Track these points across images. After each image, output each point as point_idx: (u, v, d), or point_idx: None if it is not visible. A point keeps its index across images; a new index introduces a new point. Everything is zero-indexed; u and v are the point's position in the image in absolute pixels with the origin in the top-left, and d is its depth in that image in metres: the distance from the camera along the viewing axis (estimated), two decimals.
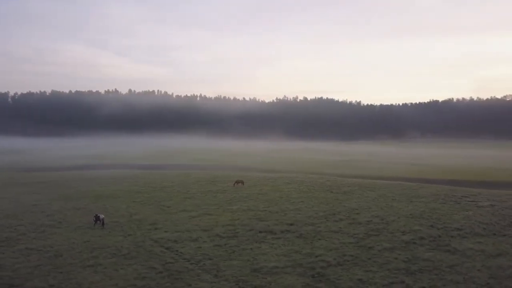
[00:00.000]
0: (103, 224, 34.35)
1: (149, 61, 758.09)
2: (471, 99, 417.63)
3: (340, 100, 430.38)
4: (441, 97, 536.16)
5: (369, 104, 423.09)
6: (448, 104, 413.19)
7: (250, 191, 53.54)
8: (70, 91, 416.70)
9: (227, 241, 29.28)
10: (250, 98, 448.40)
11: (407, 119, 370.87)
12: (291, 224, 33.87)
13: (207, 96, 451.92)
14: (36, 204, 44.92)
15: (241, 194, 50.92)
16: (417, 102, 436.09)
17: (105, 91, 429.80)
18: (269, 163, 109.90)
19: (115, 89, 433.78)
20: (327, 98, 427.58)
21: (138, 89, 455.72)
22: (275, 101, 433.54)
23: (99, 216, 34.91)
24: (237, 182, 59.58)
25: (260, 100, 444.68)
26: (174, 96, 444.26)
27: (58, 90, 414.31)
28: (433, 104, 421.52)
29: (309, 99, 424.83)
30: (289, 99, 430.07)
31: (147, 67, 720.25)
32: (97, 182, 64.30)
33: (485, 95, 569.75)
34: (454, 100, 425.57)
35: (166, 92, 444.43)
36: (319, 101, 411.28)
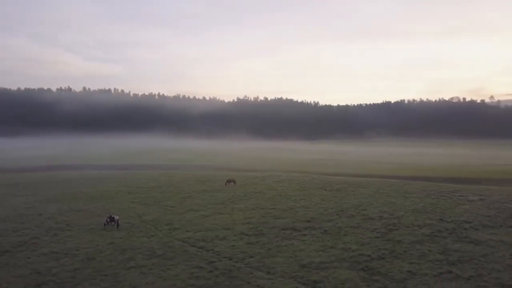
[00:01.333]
0: (117, 225, 33.33)
1: (103, 59, 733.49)
2: (421, 101, 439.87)
3: (299, 101, 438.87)
4: (393, 98, 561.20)
5: (327, 104, 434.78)
6: (400, 105, 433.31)
7: (245, 190, 53.60)
8: (19, 88, 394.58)
9: (256, 239, 29.41)
10: (210, 98, 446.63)
11: (363, 119, 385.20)
12: (309, 221, 34.50)
13: (166, 95, 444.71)
14: (28, 207, 42.64)
15: (238, 193, 50.86)
16: (371, 103, 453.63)
17: (57, 89, 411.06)
18: (245, 162, 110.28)
19: (68, 86, 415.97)
20: (286, 98, 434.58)
21: (93, 87, 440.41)
22: (236, 101, 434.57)
23: (113, 217, 33.82)
24: (229, 181, 59.49)
25: (220, 100, 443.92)
26: (131, 94, 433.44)
27: (4, 87, 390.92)
28: (386, 105, 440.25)
29: (269, 99, 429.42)
30: (250, 99, 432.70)
31: (100, 64, 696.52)
32: (79, 183, 61.82)
33: (434, 96, 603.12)
34: (406, 101, 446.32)
35: (123, 91, 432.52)
36: (280, 101, 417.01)
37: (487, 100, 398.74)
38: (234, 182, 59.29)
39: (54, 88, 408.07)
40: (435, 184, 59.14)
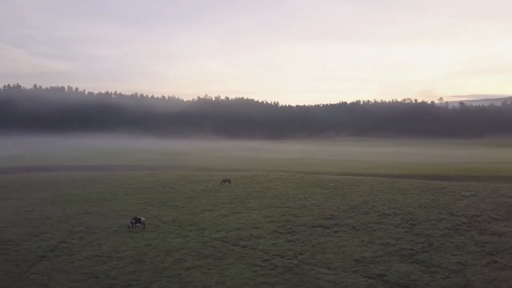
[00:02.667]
0: (144, 226, 32.63)
1: (53, 55, 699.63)
2: (376, 101, 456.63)
3: (260, 101, 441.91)
4: (349, 99, 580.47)
5: (287, 105, 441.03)
6: (356, 106, 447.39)
7: (244, 189, 53.74)
8: None
9: (292, 236, 29.92)
10: (169, 97, 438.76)
11: (321, 119, 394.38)
12: (330, 218, 35.46)
13: (123, 93, 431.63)
14: (28, 211, 40.47)
15: (239, 193, 50.90)
16: (328, 104, 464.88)
17: (4, 86, 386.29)
18: (222, 162, 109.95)
19: (17, 84, 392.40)
20: (247, 98, 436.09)
21: (44, 84, 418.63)
22: (197, 100, 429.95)
23: (139, 218, 33.06)
24: (224, 181, 59.41)
25: (180, 99, 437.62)
26: (86, 93, 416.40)
27: None
28: (342, 106, 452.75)
29: (231, 99, 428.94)
30: (211, 99, 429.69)
31: (50, 60, 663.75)
32: (65, 185, 59.23)
33: (387, 97, 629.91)
34: (361, 102, 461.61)
35: (77, 89, 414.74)
36: (241, 101, 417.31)
37: (436, 101, 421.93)
38: (229, 181, 59.28)
39: (0, 85, 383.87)
40: (420, 181, 62.17)
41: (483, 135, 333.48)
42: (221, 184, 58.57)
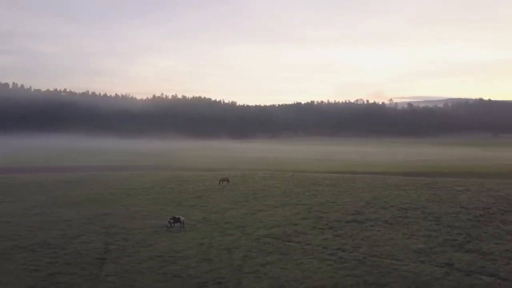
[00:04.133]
0: (183, 226, 32.24)
1: None
2: (329, 102, 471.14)
3: (217, 100, 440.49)
4: (303, 99, 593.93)
5: (245, 104, 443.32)
6: (310, 106, 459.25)
7: (246, 188, 53.77)
8: None
9: (336, 232, 30.81)
10: (122, 95, 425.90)
11: (278, 119, 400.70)
12: (356, 214, 36.83)
13: (73, 91, 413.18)
14: (38, 213, 38.53)
15: (244, 191, 50.79)
16: (284, 104, 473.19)
17: None
18: (196, 161, 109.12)
19: None
20: (204, 97, 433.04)
21: None
22: (151, 98, 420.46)
23: (179, 218, 32.61)
24: (222, 180, 59.29)
25: (133, 97, 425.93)
26: (32, 90, 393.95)
27: None
28: (297, 106, 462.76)
29: (188, 97, 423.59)
30: (167, 97, 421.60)
31: None
32: (52, 187, 56.37)
33: (340, 98, 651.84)
34: (315, 102, 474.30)
35: (23, 85, 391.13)
36: (199, 100, 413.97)
37: (386, 102, 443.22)
38: (228, 181, 59.22)
39: None
40: (406, 178, 65.26)
41: (430, 134, 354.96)
42: (219, 183, 58.40)
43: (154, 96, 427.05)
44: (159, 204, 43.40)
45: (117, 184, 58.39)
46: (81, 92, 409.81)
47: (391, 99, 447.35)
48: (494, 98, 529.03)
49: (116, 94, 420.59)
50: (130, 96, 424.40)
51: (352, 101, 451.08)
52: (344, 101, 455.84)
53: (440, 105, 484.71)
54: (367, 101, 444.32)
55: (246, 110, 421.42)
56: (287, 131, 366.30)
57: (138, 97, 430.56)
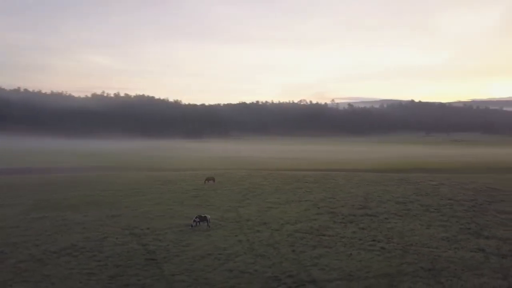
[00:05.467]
0: (209, 225, 32.22)
1: None
2: (273, 102, 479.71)
3: (161, 98, 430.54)
4: (248, 99, 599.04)
5: (192, 103, 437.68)
6: (256, 106, 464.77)
7: (236, 187, 54.13)
8: None
9: (358, 225, 32.46)
10: (58, 92, 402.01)
11: (225, 118, 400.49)
12: (364, 208, 38.84)
13: (2, 87, 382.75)
14: (39, 218, 36.40)
15: (236, 190, 50.96)
16: (230, 103, 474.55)
17: None
18: (167, 161, 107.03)
19: None
20: (148, 95, 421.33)
21: None
22: (91, 96, 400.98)
23: (205, 216, 32.47)
24: (208, 179, 59.13)
25: (70, 95, 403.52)
26: None
27: None
28: (243, 106, 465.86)
29: (132, 96, 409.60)
30: (109, 95, 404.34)
31: None
32: (33, 189, 53.15)
33: (285, 98, 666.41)
34: (260, 102, 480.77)
35: None
36: (142, 99, 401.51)
37: (329, 102, 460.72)
38: (214, 180, 59.19)
39: None
40: (377, 174, 69.40)
41: (370, 133, 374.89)
42: (204, 183, 58.25)
43: (93, 94, 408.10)
44: (162, 204, 42.60)
45: (99, 186, 56.11)
46: (11, 88, 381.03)
47: (333, 100, 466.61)
48: (424, 99, 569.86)
49: (51, 91, 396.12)
50: (67, 94, 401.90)
51: (295, 101, 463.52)
52: (288, 101, 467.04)
53: (377, 105, 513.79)
54: (311, 101, 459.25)
55: (193, 109, 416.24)
56: (235, 130, 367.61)
57: (76, 95, 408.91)
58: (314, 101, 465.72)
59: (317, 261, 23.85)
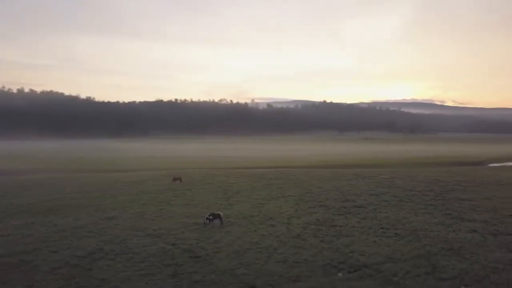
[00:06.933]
0: (222, 222, 32.64)
1: None
2: (192, 101, 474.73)
3: (72, 95, 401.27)
4: (165, 97, 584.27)
5: (106, 101, 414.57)
6: (174, 105, 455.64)
7: (208, 185, 54.87)
8: None
9: (361, 215, 35.14)
10: None
11: (144, 117, 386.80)
12: (347, 201, 42.16)
13: None
14: (27, 224, 33.57)
15: (212, 189, 52.10)
16: (145, 101, 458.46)
17: None
18: (111, 162, 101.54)
19: None
20: (57, 92, 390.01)
21: None
22: None
23: (218, 214, 32.73)
24: (175, 179, 58.61)
25: None
26: None
27: None
28: (159, 104, 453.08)
29: (38, 92, 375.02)
30: (10, 91, 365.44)
31: None
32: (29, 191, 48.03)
33: (205, 98, 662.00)
34: (179, 101, 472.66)
35: None
36: (51, 95, 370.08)
37: (249, 102, 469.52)
38: (180, 180, 58.77)
39: None
40: (326, 170, 74.36)
41: (288, 132, 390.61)
42: (172, 182, 57.73)
43: None
44: (149, 205, 41.49)
45: (59, 190, 52.56)
46: None
47: (253, 100, 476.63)
48: (334, 100, 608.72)
49: None
50: None
51: (216, 100, 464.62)
52: (209, 100, 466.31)
53: (292, 105, 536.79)
54: (231, 101, 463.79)
55: (107, 107, 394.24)
56: (156, 129, 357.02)
57: None
58: (234, 101, 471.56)
59: (352, 248, 26.01)
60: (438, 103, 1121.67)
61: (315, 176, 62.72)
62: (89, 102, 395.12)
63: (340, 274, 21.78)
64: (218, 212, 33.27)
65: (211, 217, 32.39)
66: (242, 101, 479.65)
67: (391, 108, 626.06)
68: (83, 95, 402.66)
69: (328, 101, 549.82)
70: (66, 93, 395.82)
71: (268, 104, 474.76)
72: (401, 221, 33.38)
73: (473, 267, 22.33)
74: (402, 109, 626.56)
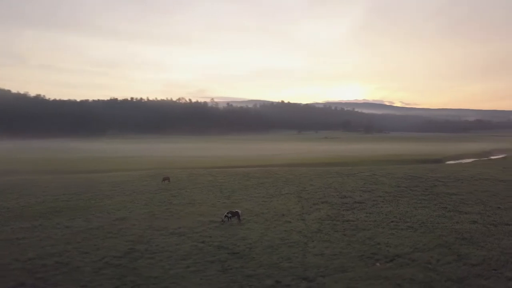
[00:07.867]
0: (240, 220, 33.22)
1: None
2: (148, 99, 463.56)
3: (21, 93, 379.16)
4: (119, 95, 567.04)
5: (58, 99, 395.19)
6: (130, 103, 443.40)
7: (198, 185, 54.97)
8: None
9: (366, 210, 37.18)
10: None
11: (100, 116, 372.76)
12: (346, 197, 43.93)
13: None
14: (37, 226, 32.43)
15: (205, 188, 52.50)
16: (98, 99, 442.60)
17: None
18: (66, 163, 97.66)
19: None
20: (3, 89, 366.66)
21: None
22: None
23: (236, 211, 33.26)
24: (164, 179, 58.23)
25: None
26: None
27: None
28: (113, 102, 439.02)
29: None
30: None
31: None
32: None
33: (161, 96, 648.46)
34: (134, 99, 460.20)
35: None
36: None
37: (208, 101, 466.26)
38: (169, 179, 58.42)
39: None
40: (313, 168, 76.45)
41: (249, 131, 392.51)
42: (162, 182, 57.36)
43: None
44: (151, 205, 41.17)
45: (44, 191, 50.49)
46: None
47: (212, 99, 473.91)
48: (291, 100, 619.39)
49: None
50: None
51: (174, 99, 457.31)
52: (166, 99, 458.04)
53: (250, 105, 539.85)
54: (190, 100, 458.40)
55: (60, 105, 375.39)
56: (112, 129, 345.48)
57: None
58: (193, 100, 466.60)
59: (376, 240, 27.62)
60: (388, 103, 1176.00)
61: (301, 175, 64.16)
62: (39, 100, 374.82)
63: (378, 264, 23.24)
64: (236, 210, 33.84)
65: (229, 215, 32.91)
66: (201, 100, 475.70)
67: (346, 108, 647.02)
68: (32, 93, 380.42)
69: (285, 101, 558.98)
70: (13, 90, 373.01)
71: (228, 104, 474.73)
72: (405, 214, 35.53)
73: (493, 253, 24.62)
74: (356, 109, 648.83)
